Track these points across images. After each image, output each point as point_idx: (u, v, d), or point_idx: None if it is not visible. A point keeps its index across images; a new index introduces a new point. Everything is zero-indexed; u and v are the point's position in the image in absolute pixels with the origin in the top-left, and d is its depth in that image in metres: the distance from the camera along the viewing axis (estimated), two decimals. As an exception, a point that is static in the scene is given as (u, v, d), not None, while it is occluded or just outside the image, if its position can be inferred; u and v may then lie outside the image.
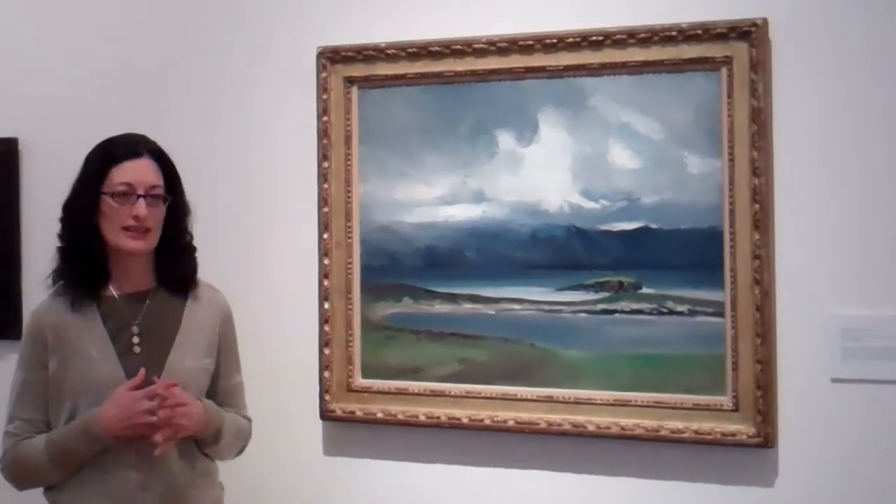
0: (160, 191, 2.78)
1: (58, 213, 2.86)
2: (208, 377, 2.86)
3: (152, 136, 2.85)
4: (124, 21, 3.46)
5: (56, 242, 2.83)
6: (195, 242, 2.90)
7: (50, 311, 2.81)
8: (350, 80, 3.19)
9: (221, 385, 2.91)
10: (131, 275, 2.81)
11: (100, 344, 2.75)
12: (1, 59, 3.59)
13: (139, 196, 2.73)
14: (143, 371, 2.69)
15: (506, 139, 3.07)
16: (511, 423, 3.05)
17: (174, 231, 2.84)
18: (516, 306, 3.07)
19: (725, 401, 2.88)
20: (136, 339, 2.78)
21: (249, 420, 2.97)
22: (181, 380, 2.75)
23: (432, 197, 3.13)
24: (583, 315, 3.01)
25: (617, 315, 2.98)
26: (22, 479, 2.80)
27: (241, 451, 2.97)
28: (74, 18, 3.52)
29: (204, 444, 2.82)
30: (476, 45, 3.06)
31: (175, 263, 2.85)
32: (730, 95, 2.86)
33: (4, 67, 3.59)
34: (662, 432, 2.93)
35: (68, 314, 2.77)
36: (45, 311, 2.82)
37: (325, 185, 3.20)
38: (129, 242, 2.75)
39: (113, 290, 2.81)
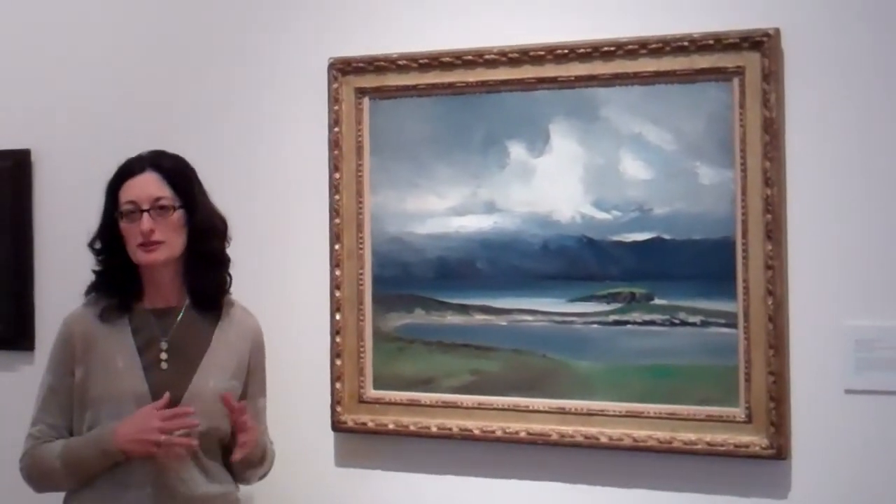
0: (167, 201, 2.77)
1: (70, 223, 2.89)
2: (234, 398, 2.83)
3: (164, 147, 2.87)
4: (136, 33, 3.47)
5: (70, 255, 2.86)
6: None
7: (82, 320, 2.83)
8: (361, 91, 3.19)
9: (248, 408, 2.87)
10: (162, 290, 2.82)
11: (127, 356, 2.76)
12: (13, 70, 3.60)
13: (143, 211, 2.74)
14: (167, 395, 2.70)
15: (517, 150, 3.06)
16: (523, 434, 3.04)
17: (197, 242, 2.82)
18: (528, 317, 3.06)
19: (738, 412, 2.87)
20: (163, 356, 2.78)
21: (272, 443, 2.99)
22: (205, 400, 2.75)
23: (443, 208, 3.13)
24: (595, 326, 3.00)
25: (629, 326, 2.97)
26: (38, 481, 2.81)
27: (263, 476, 2.98)
28: (86, 31, 3.52)
29: (249, 466, 2.84)
30: (487, 56, 3.06)
31: (201, 278, 2.84)
32: (742, 106, 2.85)
33: (16, 79, 3.60)
34: (675, 444, 2.91)
35: (100, 324, 2.79)
36: (77, 319, 2.84)
37: (337, 196, 3.20)
38: (143, 256, 2.76)
39: (147, 304, 2.82)
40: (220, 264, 2.87)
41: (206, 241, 2.83)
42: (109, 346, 2.76)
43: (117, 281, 2.81)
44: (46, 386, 2.83)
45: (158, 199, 2.76)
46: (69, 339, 2.82)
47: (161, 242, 2.75)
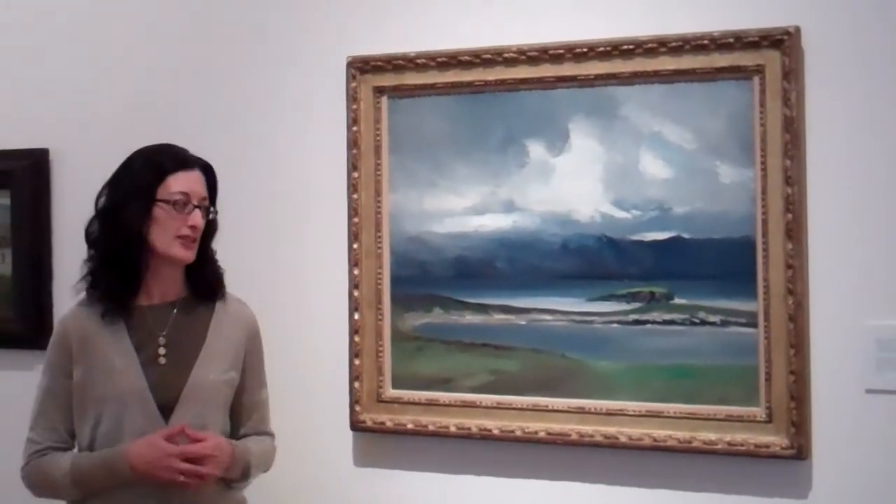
0: (207, 203, 2.83)
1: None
2: (232, 390, 2.86)
3: (182, 147, 2.88)
4: (154, 33, 3.47)
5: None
6: (224, 251, 2.94)
7: (77, 320, 2.83)
8: (380, 90, 3.18)
9: (246, 400, 2.90)
10: (164, 284, 2.83)
11: (124, 354, 2.76)
12: (31, 70, 3.61)
13: (195, 206, 2.77)
14: (183, 426, 2.70)
15: (536, 149, 3.06)
16: (542, 434, 3.03)
17: (206, 243, 2.87)
18: (547, 317, 3.05)
19: (759, 412, 2.86)
20: (162, 351, 2.79)
21: (272, 436, 2.98)
22: (205, 392, 2.78)
23: (462, 207, 3.12)
24: (614, 325, 2.99)
25: (649, 326, 2.96)
26: (41, 489, 2.83)
27: (266, 471, 2.96)
28: (104, 31, 3.53)
29: (231, 482, 2.83)
30: (506, 55, 3.05)
31: (205, 273, 2.87)
32: (762, 104, 2.84)
33: (35, 79, 3.61)
34: (695, 443, 2.90)
35: (95, 324, 2.79)
36: (71, 320, 2.84)
37: (355, 196, 3.19)
38: (181, 251, 2.78)
39: (142, 301, 2.82)
40: (214, 261, 2.91)
41: (209, 242, 2.89)
42: (106, 346, 2.76)
43: (120, 274, 2.77)
44: (43, 389, 2.82)
45: (204, 199, 2.83)
46: (65, 339, 2.81)
47: (196, 240, 2.80)
